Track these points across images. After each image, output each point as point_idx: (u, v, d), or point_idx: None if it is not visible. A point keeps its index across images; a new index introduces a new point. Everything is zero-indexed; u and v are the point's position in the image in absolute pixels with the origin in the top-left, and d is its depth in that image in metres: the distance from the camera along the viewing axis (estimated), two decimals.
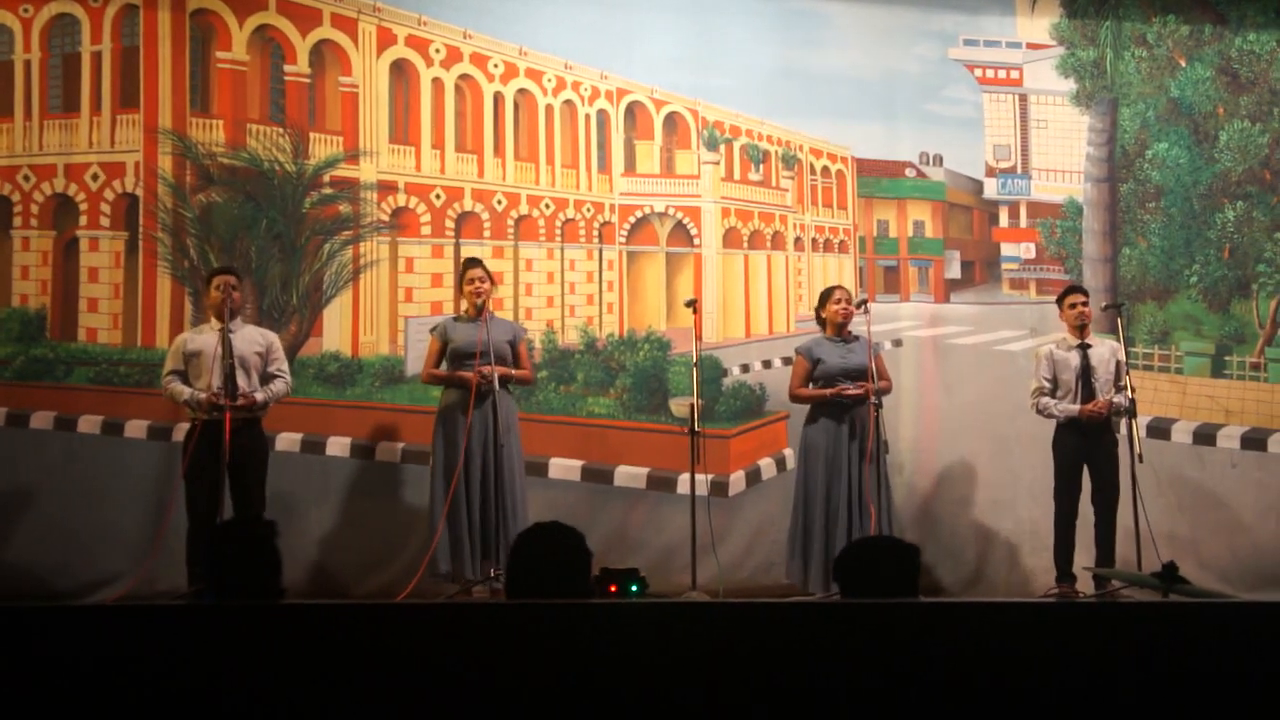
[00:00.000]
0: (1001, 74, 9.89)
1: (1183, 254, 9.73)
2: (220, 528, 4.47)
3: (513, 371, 7.83)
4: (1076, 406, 8.10)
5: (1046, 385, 8.20)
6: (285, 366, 7.85)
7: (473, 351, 7.61)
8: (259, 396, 7.56)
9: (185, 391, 7.50)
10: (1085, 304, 8.30)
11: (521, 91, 9.32)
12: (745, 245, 9.58)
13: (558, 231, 9.28)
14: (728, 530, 8.66)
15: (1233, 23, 9.87)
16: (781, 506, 8.55)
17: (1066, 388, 8.18)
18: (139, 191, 8.64)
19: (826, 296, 8.16)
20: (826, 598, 7.48)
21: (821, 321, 8.18)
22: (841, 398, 7.83)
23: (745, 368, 9.34)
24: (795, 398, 8.12)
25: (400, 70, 9.12)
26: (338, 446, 8.70)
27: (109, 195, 8.68)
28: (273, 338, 7.86)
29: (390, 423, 8.75)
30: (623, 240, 9.36)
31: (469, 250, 8.86)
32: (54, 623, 3.20)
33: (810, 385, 8.00)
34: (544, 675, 3.09)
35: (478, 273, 7.86)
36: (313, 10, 8.97)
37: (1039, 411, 8.24)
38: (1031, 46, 9.93)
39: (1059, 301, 8.46)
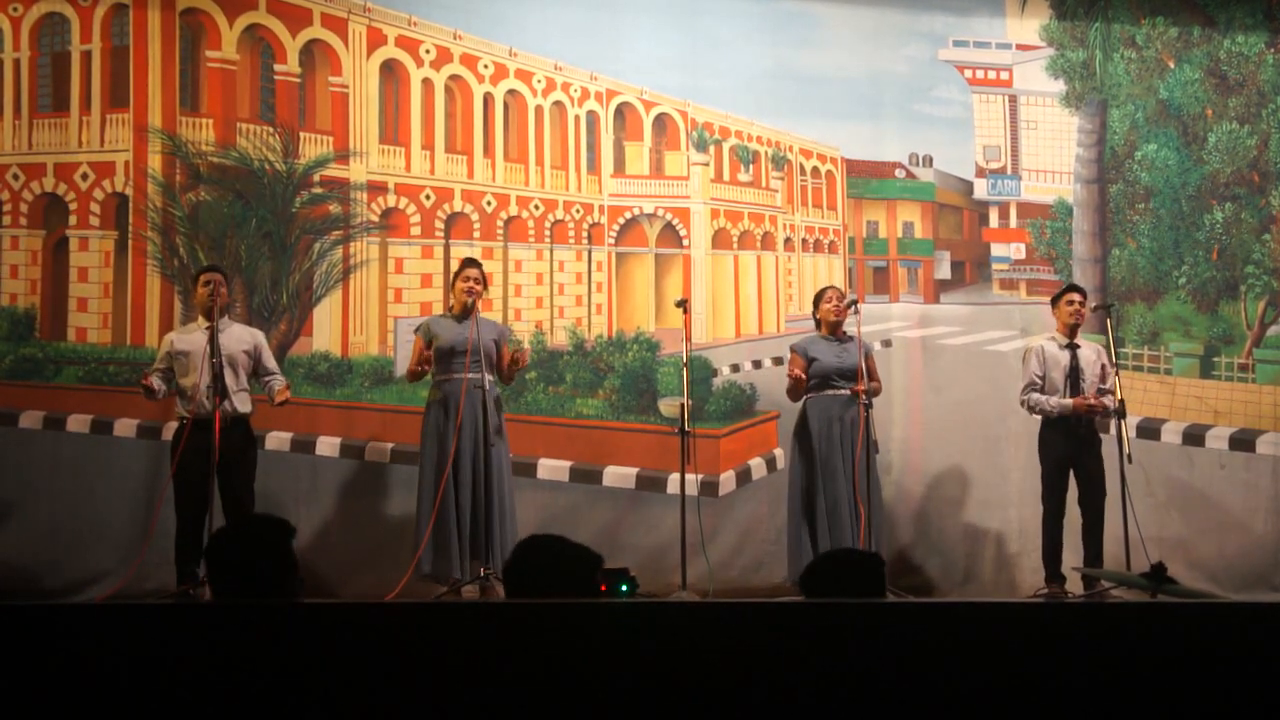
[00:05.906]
0: (991, 75, 9.90)
1: (1171, 255, 9.75)
2: (223, 532, 4.33)
3: (524, 352, 7.87)
4: (1070, 400, 8.11)
5: (1038, 381, 8.19)
6: (275, 366, 7.86)
7: (461, 350, 7.61)
8: (282, 382, 7.73)
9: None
10: (1083, 304, 8.30)
11: (511, 92, 9.32)
12: (735, 246, 9.58)
13: (547, 232, 9.28)
14: (717, 530, 8.70)
15: (1221, 25, 9.89)
16: (771, 506, 8.56)
17: (1054, 385, 8.18)
18: (129, 190, 8.63)
19: (819, 297, 8.23)
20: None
21: (818, 322, 8.22)
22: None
23: (735, 368, 9.34)
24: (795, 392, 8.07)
25: (390, 70, 9.11)
26: (327, 446, 8.70)
27: (98, 194, 8.66)
28: (260, 337, 7.86)
29: (379, 423, 8.74)
30: (612, 241, 9.36)
31: (459, 251, 8.86)
32: (43, 621, 3.19)
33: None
34: (532, 675, 3.09)
35: (474, 273, 7.87)
36: (303, 10, 8.97)
37: (1029, 408, 8.24)
38: (1021, 48, 9.95)
39: (1055, 300, 8.45)
